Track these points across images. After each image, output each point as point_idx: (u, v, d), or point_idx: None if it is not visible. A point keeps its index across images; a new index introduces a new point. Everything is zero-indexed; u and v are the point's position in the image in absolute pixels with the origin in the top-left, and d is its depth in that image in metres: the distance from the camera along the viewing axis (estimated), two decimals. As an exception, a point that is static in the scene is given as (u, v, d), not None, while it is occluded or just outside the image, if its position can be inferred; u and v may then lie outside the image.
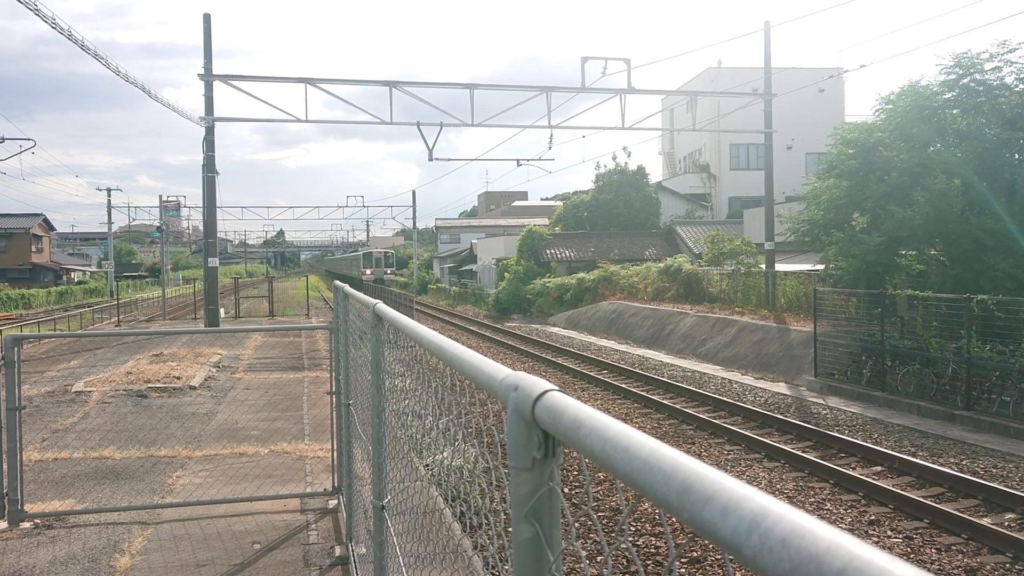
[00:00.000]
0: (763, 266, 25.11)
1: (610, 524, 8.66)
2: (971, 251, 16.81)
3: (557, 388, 1.22)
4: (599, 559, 7.65)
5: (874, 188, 17.96)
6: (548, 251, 40.77)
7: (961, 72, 17.72)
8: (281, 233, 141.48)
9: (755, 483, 10.19)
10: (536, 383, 1.25)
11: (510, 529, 1.32)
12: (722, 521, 0.71)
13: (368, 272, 61.87)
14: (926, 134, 18.06)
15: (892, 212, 17.15)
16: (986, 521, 8.44)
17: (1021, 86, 17.44)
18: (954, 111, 18.02)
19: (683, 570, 7.39)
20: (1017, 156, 17.72)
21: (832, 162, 20.09)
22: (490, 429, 1.98)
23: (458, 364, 1.84)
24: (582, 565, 7.11)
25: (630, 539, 7.96)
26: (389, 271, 64.58)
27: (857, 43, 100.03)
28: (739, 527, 0.68)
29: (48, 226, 67.91)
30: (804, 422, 13.20)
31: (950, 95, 18.11)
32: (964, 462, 10.85)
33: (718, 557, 7.58)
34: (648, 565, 7.61)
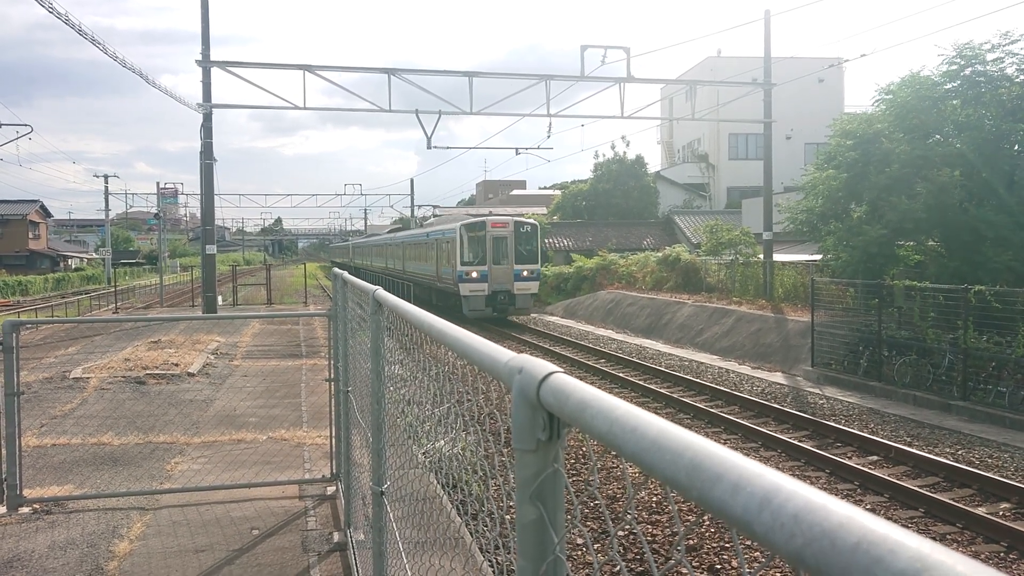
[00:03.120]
0: (761, 256, 25.12)
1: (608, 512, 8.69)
2: (970, 243, 16.81)
3: (562, 370, 1.22)
4: (596, 547, 7.68)
5: (874, 179, 17.93)
6: (546, 240, 40.76)
7: (963, 63, 17.67)
8: (279, 221, 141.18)
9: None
10: (541, 365, 1.25)
11: (508, 515, 1.32)
12: (732, 499, 0.70)
13: (473, 274, 26.73)
14: (926, 125, 18.03)
15: (895, 203, 17.13)
16: (981, 510, 8.48)
17: (1022, 77, 17.40)
18: (954, 102, 17.99)
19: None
20: (1017, 147, 17.71)
21: (831, 153, 20.06)
22: (492, 414, 1.98)
23: (461, 348, 1.84)
24: (585, 548, 7.14)
25: (628, 526, 7.99)
26: (527, 272, 27.38)
27: (857, 32, 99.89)
28: (750, 504, 0.68)
29: (45, 213, 67.74)
30: (801, 412, 13.24)
31: (951, 86, 18.06)
32: (960, 452, 10.90)
33: (714, 545, 7.62)
34: (645, 553, 7.64)
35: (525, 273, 27.19)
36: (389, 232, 56.50)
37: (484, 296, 26.56)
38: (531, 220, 28.64)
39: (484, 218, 28.03)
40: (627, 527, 7.79)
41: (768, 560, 0.71)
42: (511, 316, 27.93)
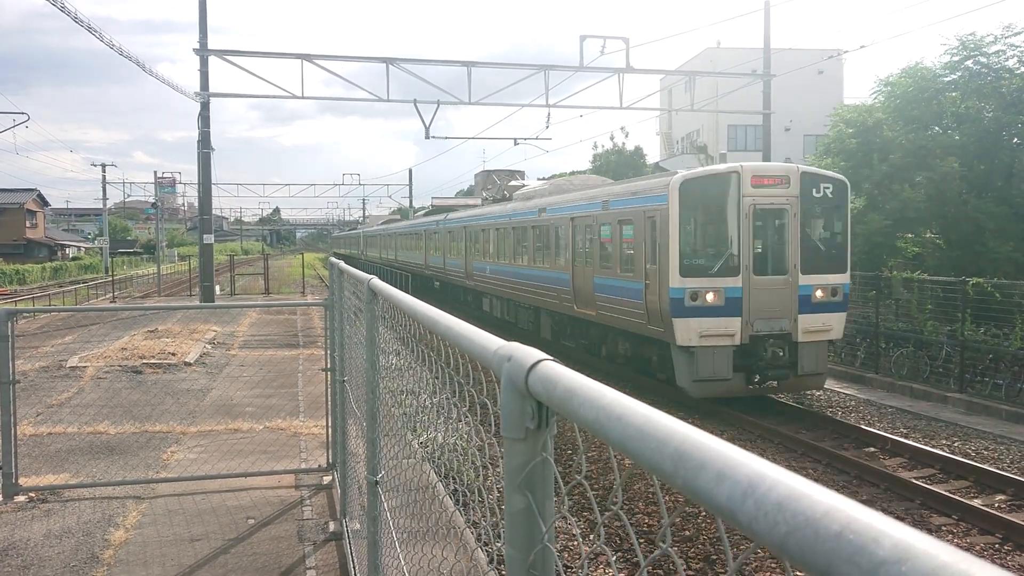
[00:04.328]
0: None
1: (600, 503, 8.70)
2: (971, 234, 16.82)
3: (551, 358, 1.21)
4: (591, 536, 7.69)
5: (876, 168, 17.92)
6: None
7: (965, 54, 17.65)
8: (277, 211, 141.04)
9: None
10: (530, 353, 1.24)
11: (501, 505, 1.31)
12: (716, 487, 0.69)
13: (708, 296, 11.92)
14: (926, 116, 18.01)
15: (896, 193, 17.13)
16: (977, 502, 8.50)
17: (1023, 69, 17.38)
18: (953, 94, 17.97)
19: (673, 548, 7.43)
20: (1016, 139, 17.70)
21: (830, 143, 20.05)
22: (483, 403, 1.97)
23: (452, 336, 1.83)
24: (579, 538, 7.15)
25: (619, 518, 8.00)
26: (822, 290, 12.43)
27: (857, 23, 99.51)
28: (734, 492, 0.67)
29: (43, 201, 67.54)
30: (797, 403, 13.24)
31: (951, 77, 18.05)
32: (956, 444, 10.91)
33: (710, 536, 7.63)
34: (640, 544, 7.65)
35: (819, 293, 12.58)
36: (426, 215, 41.72)
37: (731, 348, 12.14)
38: (832, 173, 13.69)
39: (735, 166, 12.67)
40: (618, 519, 7.78)
41: (754, 547, 0.70)
42: (785, 393, 13.34)
